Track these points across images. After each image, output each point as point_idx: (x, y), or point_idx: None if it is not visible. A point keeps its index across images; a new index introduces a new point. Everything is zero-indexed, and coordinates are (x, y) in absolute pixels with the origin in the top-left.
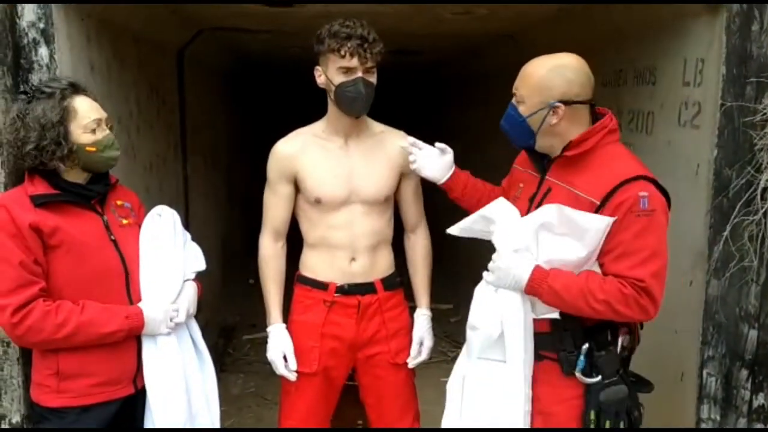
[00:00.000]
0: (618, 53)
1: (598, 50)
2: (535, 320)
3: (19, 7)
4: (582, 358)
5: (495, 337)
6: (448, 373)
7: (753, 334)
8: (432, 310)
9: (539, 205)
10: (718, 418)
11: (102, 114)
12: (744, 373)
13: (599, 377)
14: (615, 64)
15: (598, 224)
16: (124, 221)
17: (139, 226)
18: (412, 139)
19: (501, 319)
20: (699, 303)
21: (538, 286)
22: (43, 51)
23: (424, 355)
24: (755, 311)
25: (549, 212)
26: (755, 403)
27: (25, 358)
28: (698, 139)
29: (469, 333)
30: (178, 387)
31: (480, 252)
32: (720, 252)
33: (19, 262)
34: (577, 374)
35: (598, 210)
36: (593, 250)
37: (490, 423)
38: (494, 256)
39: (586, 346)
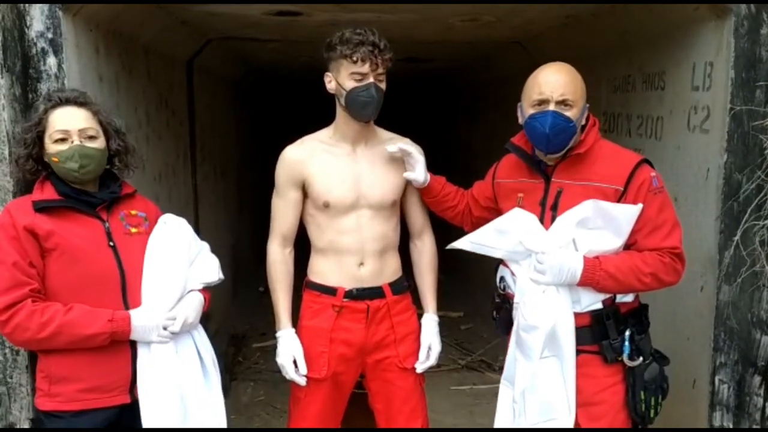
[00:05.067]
0: (626, 59)
1: (606, 57)
2: (575, 316)
3: (28, 17)
4: (627, 343)
5: (550, 334)
6: (458, 382)
7: (765, 340)
8: (442, 317)
9: (554, 206)
10: (731, 425)
11: (73, 126)
12: (757, 379)
13: (641, 359)
14: (623, 70)
15: (632, 213)
16: (133, 230)
17: None
18: (402, 145)
19: (554, 316)
20: (710, 309)
21: (594, 273)
22: (51, 61)
23: (432, 360)
24: (767, 317)
25: (586, 208)
26: None
27: (34, 366)
28: (708, 144)
29: (525, 336)
30: (171, 397)
31: (491, 260)
32: (731, 257)
33: (13, 263)
34: (625, 359)
35: (622, 194)
36: (626, 237)
37: (552, 417)
38: (540, 258)
39: (628, 332)
